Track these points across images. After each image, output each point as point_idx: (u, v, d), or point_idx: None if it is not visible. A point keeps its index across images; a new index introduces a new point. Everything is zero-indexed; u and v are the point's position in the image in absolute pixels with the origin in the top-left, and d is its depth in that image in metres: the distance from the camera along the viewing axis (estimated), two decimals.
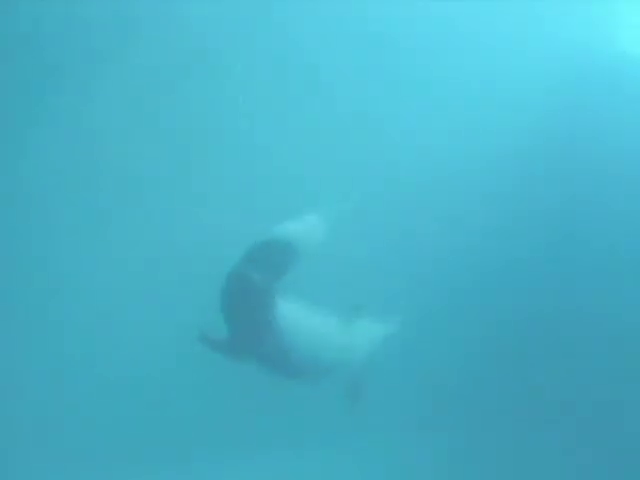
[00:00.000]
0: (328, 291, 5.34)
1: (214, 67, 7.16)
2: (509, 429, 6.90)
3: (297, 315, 5.28)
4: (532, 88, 7.43)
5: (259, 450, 6.82)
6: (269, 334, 5.16)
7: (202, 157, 7.15)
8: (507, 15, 7.43)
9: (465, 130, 7.35)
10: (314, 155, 7.06)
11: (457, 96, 7.42)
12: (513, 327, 7.15)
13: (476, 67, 7.47)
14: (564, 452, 6.74)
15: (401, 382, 6.55)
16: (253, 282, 5.06)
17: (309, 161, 6.96)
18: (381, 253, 7.08)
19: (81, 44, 6.92)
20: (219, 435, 6.86)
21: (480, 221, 7.23)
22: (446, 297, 7.07)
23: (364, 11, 7.27)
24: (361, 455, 6.92)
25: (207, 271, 6.04)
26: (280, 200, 6.33)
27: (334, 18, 7.25)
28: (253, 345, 5.21)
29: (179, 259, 7.04)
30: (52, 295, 7.05)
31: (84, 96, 6.93)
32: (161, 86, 7.17)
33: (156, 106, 7.10)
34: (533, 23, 7.48)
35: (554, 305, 7.14)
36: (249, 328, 5.17)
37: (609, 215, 7.18)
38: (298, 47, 7.22)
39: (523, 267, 7.25)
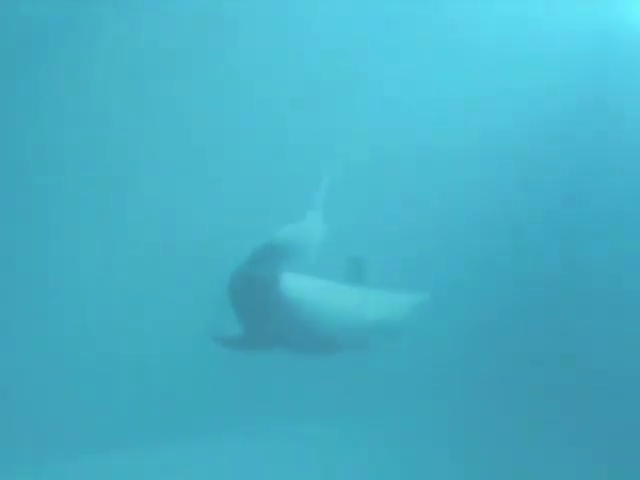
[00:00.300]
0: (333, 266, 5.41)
1: (213, 67, 7.15)
2: (513, 419, 6.92)
3: (306, 291, 5.32)
4: (545, 58, 7.45)
5: (259, 428, 6.85)
6: (282, 319, 5.21)
7: (204, 157, 7.15)
8: None
9: (476, 101, 7.36)
10: (316, 153, 7.07)
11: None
12: (519, 304, 7.17)
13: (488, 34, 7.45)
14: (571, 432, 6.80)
15: (405, 358, 6.47)
16: (257, 281, 5.11)
17: (311, 160, 6.96)
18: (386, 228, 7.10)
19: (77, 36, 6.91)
20: (219, 412, 6.90)
21: (488, 191, 7.24)
22: (454, 272, 7.06)
23: None
24: (362, 433, 6.95)
25: (211, 272, 6.10)
26: (283, 200, 6.34)
27: None
28: (270, 334, 5.27)
29: (181, 260, 7.05)
30: (52, 294, 7.08)
31: (84, 94, 6.92)
32: (160, 87, 7.16)
33: (155, 106, 7.10)
34: None
35: (560, 279, 7.17)
36: (262, 319, 5.22)
37: (624, 185, 7.17)
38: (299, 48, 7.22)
39: (531, 237, 7.26)
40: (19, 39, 6.81)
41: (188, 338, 6.74)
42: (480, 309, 7.09)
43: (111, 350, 7.03)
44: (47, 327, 7.05)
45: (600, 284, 7.09)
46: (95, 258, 7.10)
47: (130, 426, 6.80)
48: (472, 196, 7.30)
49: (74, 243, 7.08)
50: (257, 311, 5.21)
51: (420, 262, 6.90)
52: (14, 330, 6.98)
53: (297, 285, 5.29)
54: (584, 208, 7.30)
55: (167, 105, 7.10)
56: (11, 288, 7.08)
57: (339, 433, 6.83)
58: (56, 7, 6.76)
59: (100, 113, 7.09)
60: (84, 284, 7.12)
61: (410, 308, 5.87)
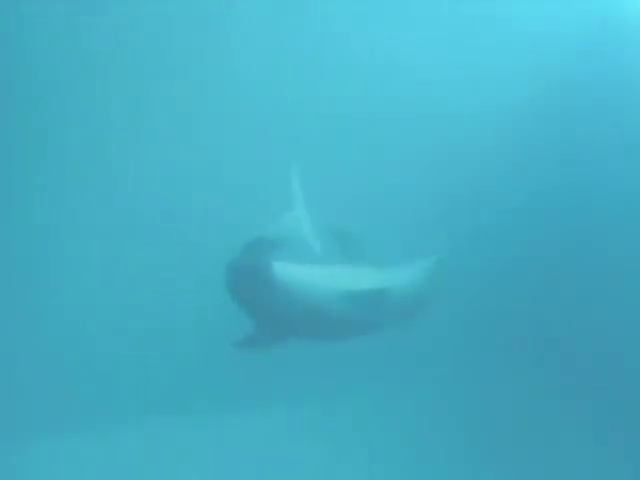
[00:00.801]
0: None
1: (213, 65, 7.18)
2: (516, 398, 6.96)
3: (305, 278, 5.35)
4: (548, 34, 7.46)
5: (258, 404, 6.95)
6: (290, 309, 5.26)
7: (202, 153, 7.19)
8: None
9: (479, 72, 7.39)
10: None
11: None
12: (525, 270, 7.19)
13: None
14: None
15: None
16: (253, 274, 5.14)
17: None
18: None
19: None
20: (221, 394, 6.97)
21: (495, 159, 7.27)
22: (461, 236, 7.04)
23: None
24: (361, 410, 7.00)
25: (205, 270, 6.16)
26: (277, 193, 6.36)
27: None
28: (281, 325, 5.32)
29: (181, 252, 7.12)
30: (54, 289, 7.15)
31: (84, 92, 6.97)
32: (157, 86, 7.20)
33: (154, 104, 7.13)
34: None
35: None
36: (268, 312, 5.27)
37: (625, 154, 7.20)
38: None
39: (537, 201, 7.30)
40: (19, 38, 6.84)
41: (190, 322, 6.85)
42: (481, 282, 7.10)
43: (114, 329, 7.13)
44: (48, 314, 7.11)
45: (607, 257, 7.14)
46: (79, 261, 7.16)
47: (132, 406, 6.90)
48: (471, 169, 7.32)
49: (74, 243, 7.14)
50: (260, 304, 5.25)
51: (420, 234, 6.87)
52: (14, 311, 7.03)
53: (295, 273, 5.33)
54: (586, 183, 7.32)
55: (165, 101, 7.12)
56: (11, 289, 7.14)
57: (340, 414, 6.89)
58: (55, 5, 6.79)
59: (100, 112, 7.11)
60: (85, 276, 7.20)
61: (417, 278, 5.87)
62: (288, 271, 5.36)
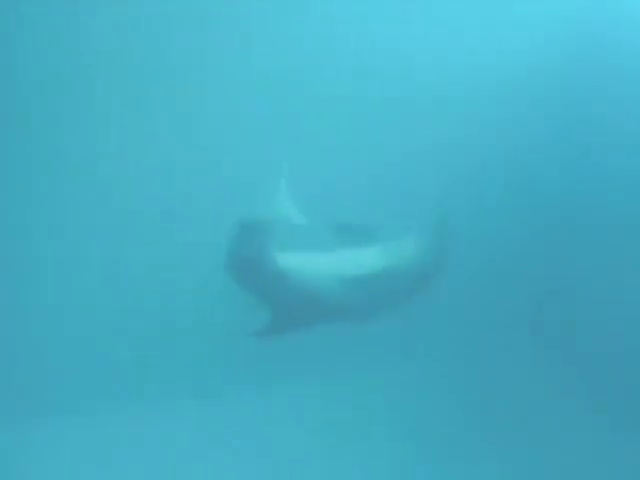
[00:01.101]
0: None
1: (212, 64, 7.19)
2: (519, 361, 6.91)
3: (307, 266, 5.32)
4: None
5: (260, 384, 7.01)
6: (303, 301, 5.23)
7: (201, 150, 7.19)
8: None
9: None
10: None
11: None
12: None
13: None
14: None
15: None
16: (251, 261, 5.12)
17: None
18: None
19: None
20: (221, 371, 6.95)
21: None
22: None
23: None
24: (362, 388, 6.94)
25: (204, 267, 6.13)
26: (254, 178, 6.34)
27: None
28: (293, 312, 5.29)
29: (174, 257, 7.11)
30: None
31: (83, 89, 6.97)
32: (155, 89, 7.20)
33: (154, 105, 7.15)
34: None
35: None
36: (277, 298, 5.24)
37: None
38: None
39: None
40: (18, 38, 6.86)
41: (190, 300, 6.82)
42: (482, 258, 7.07)
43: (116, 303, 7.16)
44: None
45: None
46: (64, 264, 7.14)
47: (133, 385, 6.90)
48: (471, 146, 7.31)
49: (72, 240, 7.13)
50: (267, 293, 5.23)
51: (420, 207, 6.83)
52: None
53: (298, 263, 5.30)
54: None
55: (165, 101, 7.14)
56: (12, 289, 7.12)
57: (340, 390, 6.88)
58: (56, 5, 6.81)
59: (100, 112, 7.12)
60: (79, 283, 7.18)
61: (420, 253, 5.84)
62: (291, 261, 5.33)
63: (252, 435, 6.71)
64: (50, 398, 6.95)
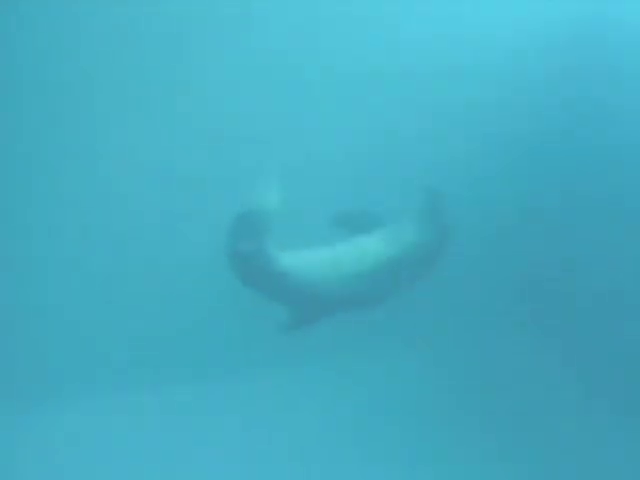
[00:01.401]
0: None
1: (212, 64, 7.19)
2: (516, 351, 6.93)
3: (307, 263, 5.33)
4: None
5: (259, 372, 7.00)
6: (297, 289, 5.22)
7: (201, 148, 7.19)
8: None
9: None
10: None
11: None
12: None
13: None
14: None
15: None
16: (251, 256, 5.12)
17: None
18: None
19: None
20: (222, 355, 7.00)
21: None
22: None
23: None
24: (361, 377, 6.99)
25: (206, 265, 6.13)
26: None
27: None
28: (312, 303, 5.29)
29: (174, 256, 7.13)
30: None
31: (83, 87, 6.97)
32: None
33: (154, 104, 7.15)
34: None
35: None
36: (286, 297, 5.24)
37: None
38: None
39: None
40: (18, 38, 6.87)
41: (191, 299, 6.87)
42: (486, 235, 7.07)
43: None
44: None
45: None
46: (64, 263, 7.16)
47: (133, 385, 7.00)
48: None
49: (72, 240, 7.15)
50: (269, 287, 5.24)
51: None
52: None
53: (301, 262, 5.31)
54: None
55: (165, 101, 7.15)
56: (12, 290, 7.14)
57: (340, 373, 6.90)
58: (56, 5, 6.82)
59: (100, 111, 7.13)
60: (81, 281, 7.19)
61: (421, 236, 5.82)
62: (292, 261, 5.33)
63: (252, 429, 6.70)
64: (50, 398, 6.95)
